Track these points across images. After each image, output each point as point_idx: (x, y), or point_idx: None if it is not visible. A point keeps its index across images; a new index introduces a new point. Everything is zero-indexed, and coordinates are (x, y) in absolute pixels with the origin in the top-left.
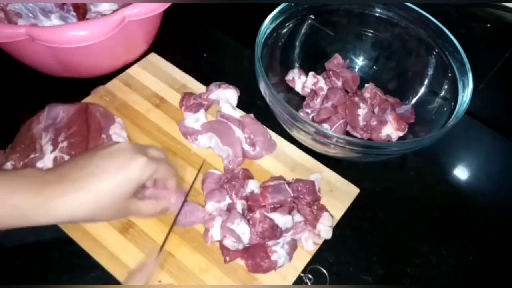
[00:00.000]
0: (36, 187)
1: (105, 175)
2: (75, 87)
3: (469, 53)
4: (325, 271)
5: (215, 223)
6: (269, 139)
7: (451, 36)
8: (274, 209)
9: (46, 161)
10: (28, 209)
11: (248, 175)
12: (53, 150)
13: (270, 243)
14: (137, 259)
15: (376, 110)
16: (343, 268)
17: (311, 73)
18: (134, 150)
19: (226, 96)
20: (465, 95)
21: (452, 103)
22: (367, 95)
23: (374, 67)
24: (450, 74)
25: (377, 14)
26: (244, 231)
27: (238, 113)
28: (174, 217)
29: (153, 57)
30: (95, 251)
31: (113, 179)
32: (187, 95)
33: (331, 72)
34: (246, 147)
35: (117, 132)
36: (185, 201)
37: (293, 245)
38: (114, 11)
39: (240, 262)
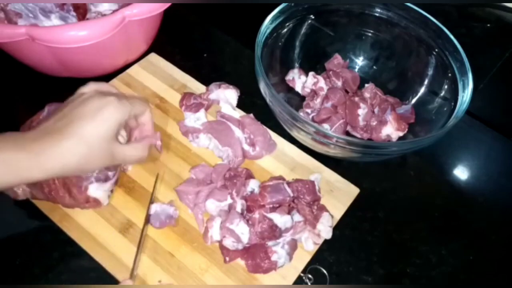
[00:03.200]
0: (22, 144)
1: (85, 120)
2: (75, 87)
3: (469, 53)
4: (325, 271)
5: (215, 224)
6: (269, 139)
7: (451, 36)
8: (273, 209)
9: None
10: (17, 165)
11: (250, 175)
12: None
13: (270, 243)
14: (137, 259)
15: (376, 110)
16: (343, 268)
17: (311, 73)
18: (103, 94)
19: (226, 96)
20: (465, 95)
21: (452, 103)
22: (367, 95)
23: (374, 67)
24: (450, 74)
25: (377, 14)
26: (243, 231)
27: (238, 113)
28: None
29: (153, 57)
30: (95, 251)
31: (93, 121)
32: (187, 95)
33: (331, 72)
34: (246, 147)
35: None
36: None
37: (293, 245)
38: (114, 11)
39: (240, 262)
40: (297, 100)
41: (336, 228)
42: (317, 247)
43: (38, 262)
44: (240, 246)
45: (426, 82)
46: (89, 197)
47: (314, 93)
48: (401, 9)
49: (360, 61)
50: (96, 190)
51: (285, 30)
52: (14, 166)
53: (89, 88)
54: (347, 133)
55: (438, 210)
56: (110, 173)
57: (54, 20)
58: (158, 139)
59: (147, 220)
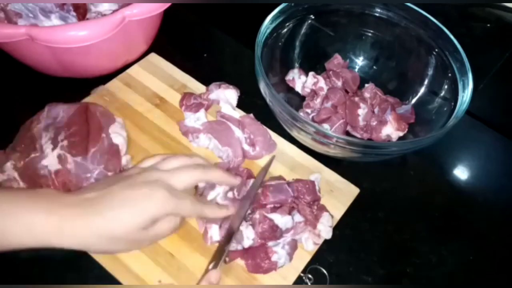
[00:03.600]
0: (52, 207)
1: (121, 204)
2: (75, 87)
3: (469, 53)
4: (325, 271)
5: (214, 224)
6: (269, 139)
7: (451, 36)
8: (274, 210)
9: (50, 160)
10: (40, 229)
11: (251, 174)
12: (54, 149)
13: (270, 243)
14: (137, 259)
15: (376, 110)
16: (343, 268)
17: (311, 73)
18: (158, 182)
19: (226, 96)
20: (465, 95)
21: (452, 103)
22: (367, 95)
23: (374, 67)
24: (450, 74)
25: (377, 14)
26: (249, 236)
27: (238, 113)
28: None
29: (153, 57)
30: None
31: (130, 208)
32: (187, 95)
33: (331, 72)
34: (246, 147)
35: (117, 131)
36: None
37: (293, 245)
38: (114, 11)
39: (240, 262)
40: (297, 100)
41: (336, 228)
42: (317, 247)
43: (38, 262)
44: (239, 247)
45: (426, 82)
46: None
47: (314, 93)
48: (401, 9)
49: (360, 61)
50: None
51: (285, 30)
52: (36, 232)
53: (146, 168)
54: (347, 133)
55: (438, 210)
56: (110, 174)
57: (54, 20)
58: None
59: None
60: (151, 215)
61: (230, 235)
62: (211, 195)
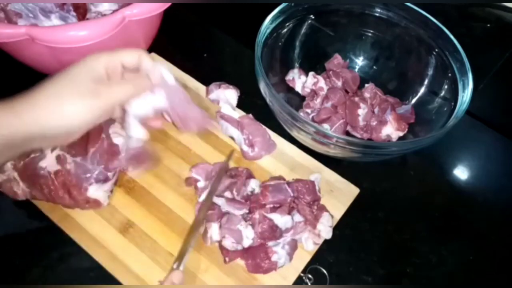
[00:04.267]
0: (10, 103)
1: (63, 74)
2: None
3: (469, 53)
4: (325, 271)
5: (213, 224)
6: (268, 139)
7: (451, 36)
8: (273, 210)
9: (49, 160)
10: (13, 118)
11: (250, 174)
12: (53, 149)
13: (270, 243)
14: (137, 259)
15: (376, 110)
16: (343, 268)
17: (311, 73)
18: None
19: (226, 96)
20: (465, 95)
21: (452, 103)
22: (367, 95)
23: (374, 67)
24: (450, 74)
25: (377, 14)
26: (248, 235)
27: (237, 114)
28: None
29: (153, 57)
30: (95, 251)
31: (70, 70)
32: None
33: (331, 72)
34: (245, 148)
35: (116, 131)
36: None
37: (293, 245)
38: (114, 11)
39: (240, 262)
40: (297, 100)
41: (336, 228)
42: (317, 247)
43: (38, 262)
44: (239, 247)
45: (426, 82)
46: (89, 198)
47: (314, 93)
48: (401, 9)
49: (360, 61)
50: (95, 191)
51: (285, 30)
52: (7, 120)
53: None
54: (347, 133)
55: (438, 210)
56: (110, 174)
57: (54, 20)
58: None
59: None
60: (94, 61)
61: (192, 231)
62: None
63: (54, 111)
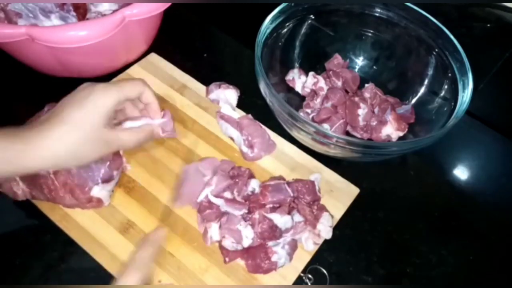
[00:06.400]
0: (14, 134)
1: (74, 107)
2: (75, 87)
3: (469, 53)
4: (325, 271)
5: (213, 224)
6: (267, 139)
7: (451, 36)
8: (273, 210)
9: None
10: (10, 153)
11: (252, 175)
12: None
13: (270, 243)
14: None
15: (376, 110)
16: (343, 268)
17: (311, 73)
18: (92, 83)
19: (226, 96)
20: (465, 95)
21: (452, 103)
22: (367, 95)
23: (374, 67)
24: (450, 74)
25: (377, 14)
26: (248, 235)
27: (237, 114)
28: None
29: (153, 57)
30: (95, 251)
31: (81, 107)
32: None
33: (331, 72)
34: (245, 149)
35: None
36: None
37: (293, 245)
38: (114, 11)
39: (240, 262)
40: (297, 100)
41: (336, 228)
42: (317, 247)
43: (38, 262)
44: (239, 247)
45: (426, 82)
46: (92, 197)
47: (314, 93)
48: (401, 9)
49: (360, 61)
50: (100, 191)
51: (285, 30)
52: (4, 154)
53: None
54: (347, 133)
55: (438, 210)
56: (115, 173)
57: (54, 20)
58: (162, 117)
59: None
60: (101, 105)
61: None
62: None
63: (67, 152)
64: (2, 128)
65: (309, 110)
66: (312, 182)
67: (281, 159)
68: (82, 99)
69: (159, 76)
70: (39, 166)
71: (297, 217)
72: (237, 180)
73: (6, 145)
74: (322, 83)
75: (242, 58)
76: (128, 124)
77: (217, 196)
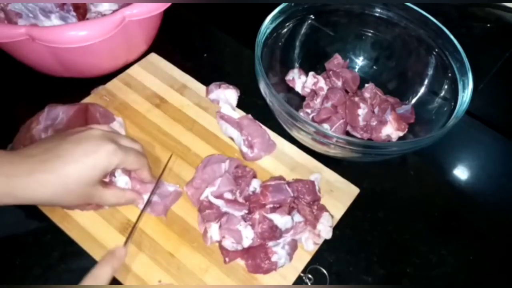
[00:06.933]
0: (1, 167)
1: (72, 159)
2: (75, 87)
3: (469, 53)
4: (325, 271)
5: (213, 224)
6: (267, 139)
7: (451, 36)
8: (273, 210)
9: None
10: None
11: (255, 175)
12: None
13: (270, 243)
14: (137, 259)
15: (376, 110)
16: (343, 268)
17: (311, 73)
18: (104, 137)
19: (226, 96)
20: (465, 95)
21: (452, 103)
22: (367, 95)
23: (374, 67)
24: (450, 74)
25: (377, 14)
26: (248, 235)
27: (237, 114)
28: (140, 209)
29: (153, 57)
30: (95, 251)
31: (79, 163)
32: None
33: (331, 72)
34: (245, 149)
35: (115, 129)
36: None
37: (293, 246)
38: (114, 11)
39: (240, 262)
40: (297, 100)
41: (336, 228)
42: (317, 247)
43: (38, 262)
44: (239, 247)
45: (426, 82)
46: None
47: (314, 93)
48: (401, 9)
49: (360, 61)
50: None
51: (285, 30)
52: None
53: (90, 129)
54: (347, 133)
55: (438, 210)
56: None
57: (54, 20)
58: (142, 200)
59: (149, 201)
60: (103, 167)
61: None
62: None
63: (49, 198)
64: None
65: (309, 110)
66: (312, 182)
67: (281, 159)
68: (85, 154)
69: (159, 76)
70: (14, 203)
71: (297, 217)
72: (240, 181)
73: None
74: (322, 83)
75: (242, 58)
76: (116, 179)
77: (217, 197)
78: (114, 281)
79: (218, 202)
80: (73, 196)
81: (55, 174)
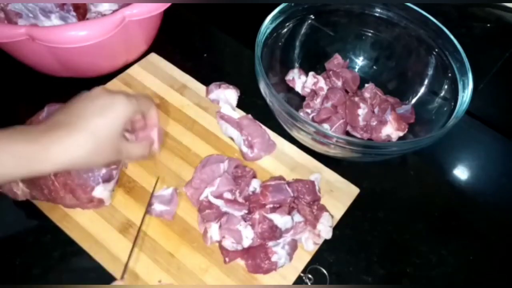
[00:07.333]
0: (33, 137)
1: (94, 115)
2: (75, 87)
3: (469, 53)
4: (325, 271)
5: (213, 224)
6: (267, 139)
7: (451, 36)
8: (273, 210)
9: None
10: (28, 157)
11: (255, 175)
12: None
13: (270, 243)
14: (137, 259)
15: (376, 110)
16: (343, 268)
17: (311, 73)
18: (108, 91)
19: (226, 96)
20: (465, 95)
21: (452, 103)
22: (367, 95)
23: (374, 67)
24: (450, 74)
25: (377, 14)
26: (248, 235)
27: (237, 114)
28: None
29: (153, 57)
30: (95, 251)
31: (102, 117)
32: None
33: (331, 72)
34: (244, 149)
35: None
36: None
37: (293, 246)
38: (114, 11)
39: (240, 262)
40: (297, 100)
41: (336, 228)
42: (317, 247)
43: (38, 262)
44: (239, 247)
45: (426, 82)
46: (93, 197)
47: (314, 93)
48: (401, 9)
49: (360, 61)
50: (103, 191)
51: (285, 30)
52: (24, 158)
53: (95, 89)
54: (347, 133)
55: (438, 210)
56: (114, 172)
57: (54, 20)
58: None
59: (143, 221)
60: (122, 116)
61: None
62: None
63: (82, 158)
64: (17, 129)
65: (309, 110)
66: (312, 182)
67: (281, 159)
68: (103, 108)
69: (159, 76)
70: (54, 169)
71: (297, 217)
72: (240, 181)
73: (22, 148)
74: (322, 83)
75: (242, 58)
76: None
77: (217, 197)
78: (114, 281)
79: (218, 202)
80: (105, 153)
81: (84, 133)
